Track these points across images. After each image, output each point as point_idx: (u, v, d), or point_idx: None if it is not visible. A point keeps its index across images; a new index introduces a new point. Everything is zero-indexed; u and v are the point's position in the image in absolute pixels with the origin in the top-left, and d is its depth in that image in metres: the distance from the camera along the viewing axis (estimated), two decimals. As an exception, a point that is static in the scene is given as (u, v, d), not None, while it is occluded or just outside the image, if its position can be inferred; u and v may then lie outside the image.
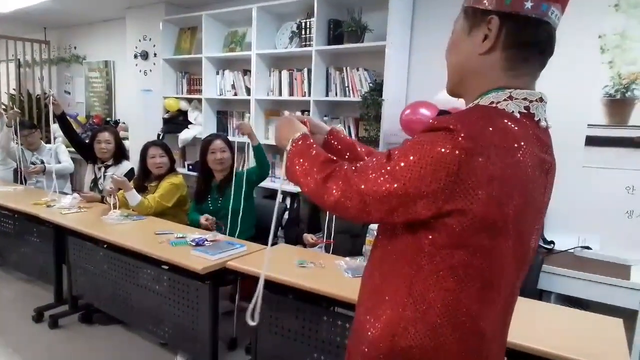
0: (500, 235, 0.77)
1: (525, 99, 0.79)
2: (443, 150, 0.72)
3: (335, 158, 0.93)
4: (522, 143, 0.76)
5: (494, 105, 0.80)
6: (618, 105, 2.53)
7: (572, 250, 2.59)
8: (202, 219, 2.85)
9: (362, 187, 0.81)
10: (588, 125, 2.60)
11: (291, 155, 0.99)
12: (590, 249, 2.57)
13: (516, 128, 0.76)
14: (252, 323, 1.02)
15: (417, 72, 3.21)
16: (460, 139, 0.72)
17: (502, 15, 0.78)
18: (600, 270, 2.30)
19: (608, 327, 1.61)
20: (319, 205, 0.93)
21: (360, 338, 0.91)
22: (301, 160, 0.96)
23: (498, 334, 0.88)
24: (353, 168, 0.85)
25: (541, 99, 0.81)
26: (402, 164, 0.76)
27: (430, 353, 0.81)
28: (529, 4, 0.76)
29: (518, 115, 0.79)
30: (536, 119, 0.80)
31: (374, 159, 0.83)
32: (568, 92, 2.63)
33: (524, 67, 0.81)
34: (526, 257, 0.87)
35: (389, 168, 0.78)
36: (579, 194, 2.64)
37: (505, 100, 0.79)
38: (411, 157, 0.75)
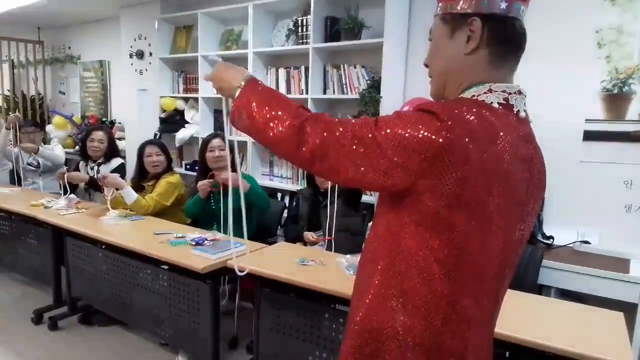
0: (475, 218, 0.80)
1: (504, 91, 0.85)
2: (426, 132, 0.76)
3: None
4: (501, 133, 0.79)
5: (475, 98, 0.85)
6: (615, 100, 2.54)
7: (571, 245, 2.59)
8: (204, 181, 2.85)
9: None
10: (586, 120, 2.61)
11: (246, 97, 0.91)
12: (590, 243, 2.58)
13: (495, 119, 0.81)
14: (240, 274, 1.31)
15: (415, 68, 3.20)
16: (442, 123, 0.75)
17: (482, 16, 0.84)
18: (600, 264, 2.31)
19: (609, 321, 1.62)
20: (283, 154, 0.87)
21: (350, 321, 0.94)
22: (264, 103, 0.89)
23: (480, 319, 0.89)
24: (336, 120, 0.84)
25: (519, 92, 0.87)
26: (389, 131, 0.78)
27: (408, 332, 0.84)
28: (503, 4, 0.83)
29: (497, 106, 0.83)
30: (515, 109, 0.85)
31: (360, 120, 0.83)
32: (566, 87, 2.64)
33: (503, 61, 0.87)
34: (510, 246, 0.88)
35: (375, 132, 0.79)
36: (578, 188, 2.65)
37: (485, 93, 0.84)
38: (397, 129, 0.78)
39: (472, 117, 0.78)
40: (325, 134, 0.81)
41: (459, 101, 0.84)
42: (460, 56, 0.87)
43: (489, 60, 0.86)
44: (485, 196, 0.78)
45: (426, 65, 0.97)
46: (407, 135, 0.76)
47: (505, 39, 0.85)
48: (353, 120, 0.83)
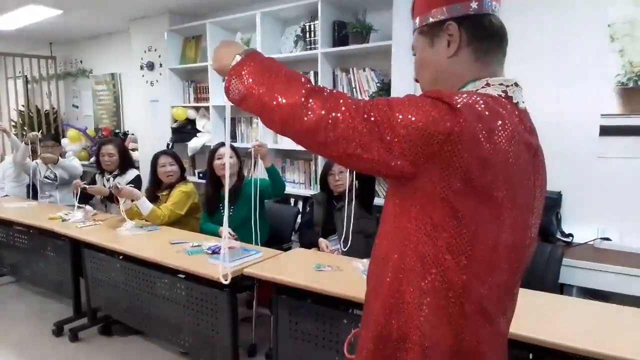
0: (484, 206, 0.78)
1: (501, 84, 0.86)
2: (437, 116, 0.75)
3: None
4: (507, 121, 0.79)
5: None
6: (631, 94, 2.49)
7: (591, 242, 2.55)
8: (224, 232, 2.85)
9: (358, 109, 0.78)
10: (601, 115, 2.56)
11: (246, 66, 0.86)
12: (610, 240, 2.53)
13: (500, 107, 0.81)
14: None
15: (424, 69, 3.19)
16: (453, 109, 0.75)
17: (456, 19, 0.87)
18: (621, 261, 2.26)
19: (635, 319, 1.59)
20: (280, 123, 0.82)
21: (366, 325, 0.94)
22: (265, 73, 0.84)
23: (497, 314, 0.87)
24: (345, 94, 0.81)
25: (516, 84, 0.87)
26: (401, 112, 0.76)
27: (427, 330, 0.83)
28: (474, 4, 0.86)
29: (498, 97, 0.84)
30: (514, 101, 0.86)
31: (372, 100, 0.81)
32: (580, 83, 2.60)
33: (489, 56, 0.89)
34: (522, 238, 0.87)
35: (387, 110, 0.77)
36: (596, 185, 2.61)
37: (483, 87, 0.86)
38: (410, 111, 0.76)
39: (480, 105, 0.78)
40: (333, 105, 0.78)
41: (465, 91, 0.84)
42: (445, 60, 0.89)
43: (475, 57, 0.88)
44: (493, 183, 0.77)
45: (416, 80, 0.98)
46: (418, 118, 0.75)
47: (484, 35, 0.87)
48: (367, 99, 0.82)
